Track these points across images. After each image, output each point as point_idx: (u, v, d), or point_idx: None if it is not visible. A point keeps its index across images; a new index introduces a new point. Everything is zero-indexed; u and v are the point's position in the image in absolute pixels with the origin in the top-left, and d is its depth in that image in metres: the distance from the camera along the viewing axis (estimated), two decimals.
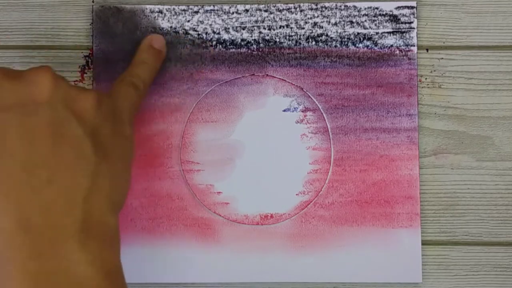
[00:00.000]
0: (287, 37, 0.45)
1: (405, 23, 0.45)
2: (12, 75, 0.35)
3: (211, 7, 0.45)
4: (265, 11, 0.45)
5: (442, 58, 0.45)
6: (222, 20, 0.45)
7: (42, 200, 0.33)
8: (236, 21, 0.45)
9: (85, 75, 0.45)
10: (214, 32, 0.45)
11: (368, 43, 0.45)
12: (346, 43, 0.45)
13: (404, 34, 0.44)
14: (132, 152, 0.39)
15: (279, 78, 0.45)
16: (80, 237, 0.33)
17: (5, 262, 0.32)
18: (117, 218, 0.36)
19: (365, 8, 0.45)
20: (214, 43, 0.45)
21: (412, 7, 0.44)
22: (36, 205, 0.33)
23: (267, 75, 0.45)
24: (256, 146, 0.45)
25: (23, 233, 0.32)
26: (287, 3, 0.45)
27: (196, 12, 0.45)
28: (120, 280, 0.35)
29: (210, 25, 0.45)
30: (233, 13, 0.45)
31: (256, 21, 0.45)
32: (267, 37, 0.45)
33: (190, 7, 0.45)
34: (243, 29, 0.45)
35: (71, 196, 0.33)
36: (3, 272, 0.32)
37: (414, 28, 0.44)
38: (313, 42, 0.45)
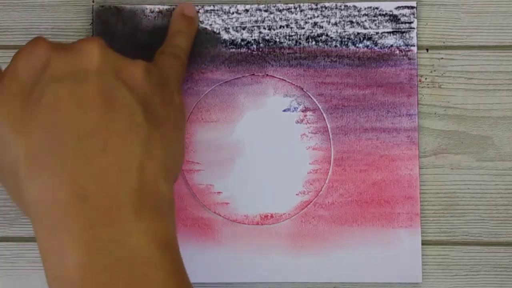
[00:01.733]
0: (287, 37, 0.45)
1: (405, 23, 0.45)
2: (61, 47, 0.35)
3: (211, 7, 0.45)
4: (265, 11, 0.45)
5: (442, 58, 0.45)
6: (222, 20, 0.45)
7: (96, 168, 0.33)
8: (236, 21, 0.45)
9: None
10: (214, 32, 0.45)
11: (368, 43, 0.45)
12: (346, 43, 0.45)
13: (404, 34, 0.44)
14: (183, 121, 0.39)
15: (279, 78, 0.45)
16: (134, 206, 0.33)
17: (61, 231, 0.32)
18: (172, 187, 0.36)
19: (365, 8, 0.45)
20: (214, 43, 0.45)
21: (412, 7, 0.44)
22: (91, 173, 0.33)
23: (267, 75, 0.45)
24: (256, 146, 0.45)
25: (79, 202, 0.32)
26: (287, 3, 0.45)
27: (196, 12, 0.45)
28: (174, 251, 0.34)
29: (210, 25, 0.45)
30: (233, 13, 0.45)
31: (256, 21, 0.45)
32: (267, 37, 0.45)
33: None
34: (243, 29, 0.45)
35: (125, 164, 0.33)
36: (58, 241, 0.32)
37: (414, 28, 0.44)
38: (313, 42, 0.45)
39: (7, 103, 0.34)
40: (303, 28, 0.45)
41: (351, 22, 0.45)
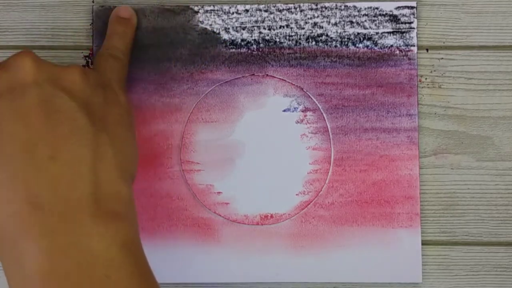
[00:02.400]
0: (287, 37, 0.45)
1: (405, 23, 0.45)
2: None
3: (211, 7, 0.45)
4: (265, 11, 0.45)
5: (442, 58, 0.45)
6: (222, 20, 0.45)
7: (48, 176, 0.33)
8: (236, 21, 0.45)
9: None
10: (214, 32, 0.45)
11: (368, 43, 0.45)
12: (346, 43, 0.45)
13: (404, 34, 0.44)
14: (131, 119, 0.39)
15: (279, 78, 0.45)
16: (90, 210, 0.33)
17: (20, 241, 0.32)
18: (130, 186, 0.36)
19: (365, 8, 0.45)
20: (214, 43, 0.45)
21: (412, 7, 0.44)
22: (43, 182, 0.33)
23: (267, 75, 0.45)
24: (256, 146, 0.45)
25: (34, 211, 0.32)
26: (287, 3, 0.45)
27: (196, 12, 0.45)
28: (136, 251, 0.34)
29: (210, 25, 0.45)
30: (233, 13, 0.45)
31: (256, 21, 0.45)
32: (267, 37, 0.45)
33: (190, 7, 0.45)
34: (243, 29, 0.45)
35: (76, 169, 0.33)
36: (19, 251, 0.32)
37: (414, 28, 0.44)
38: (313, 42, 0.45)
39: None
40: (303, 28, 0.45)
41: (351, 22, 0.45)
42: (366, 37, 0.45)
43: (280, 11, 0.45)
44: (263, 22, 0.45)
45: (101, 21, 0.45)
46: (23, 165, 0.33)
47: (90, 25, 0.45)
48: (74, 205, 0.33)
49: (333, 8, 0.45)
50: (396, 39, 0.44)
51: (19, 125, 0.34)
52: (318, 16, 0.45)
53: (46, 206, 0.32)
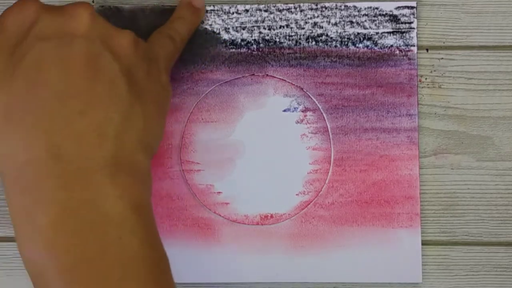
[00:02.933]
0: (287, 37, 0.45)
1: (405, 23, 0.45)
2: (51, 8, 0.35)
3: (211, 7, 0.45)
4: (265, 11, 0.45)
5: (442, 58, 0.45)
6: (222, 20, 0.45)
7: (73, 130, 0.33)
8: (236, 21, 0.45)
9: None
10: (214, 32, 0.45)
11: (368, 43, 0.45)
12: (346, 43, 0.45)
13: (404, 34, 0.44)
14: (167, 101, 0.39)
15: (279, 78, 0.45)
16: (110, 171, 0.33)
17: (35, 190, 0.32)
18: (149, 160, 0.36)
19: (365, 8, 0.45)
20: (214, 43, 0.45)
21: (412, 7, 0.44)
22: (67, 134, 0.32)
23: (267, 75, 0.45)
24: (256, 146, 0.45)
25: (53, 162, 0.32)
26: (287, 3, 0.45)
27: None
28: (148, 217, 0.34)
29: (210, 25, 0.45)
30: (233, 13, 0.45)
31: (256, 21, 0.45)
32: (267, 37, 0.45)
33: None
34: (243, 29, 0.45)
35: (102, 130, 0.33)
36: (30, 200, 0.32)
37: (414, 28, 0.44)
38: (313, 42, 0.45)
39: None
40: (303, 28, 0.45)
41: (351, 22, 0.45)
42: (366, 37, 0.45)
43: (280, 11, 0.45)
44: (263, 22, 0.45)
45: None
46: (52, 113, 0.32)
47: None
48: (94, 163, 0.33)
49: (333, 8, 0.45)
50: (396, 39, 0.44)
51: (59, 72, 0.33)
52: (318, 16, 0.45)
53: (66, 158, 0.32)
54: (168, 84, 0.39)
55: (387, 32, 0.45)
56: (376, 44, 0.45)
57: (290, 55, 0.45)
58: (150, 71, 0.37)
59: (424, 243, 0.44)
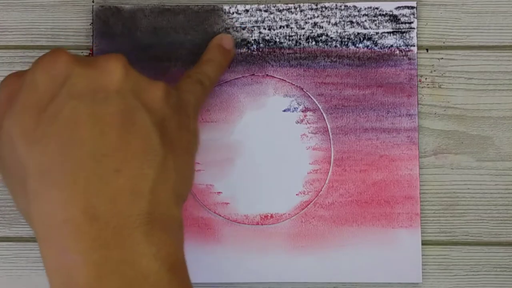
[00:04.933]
0: (287, 37, 0.45)
1: (405, 23, 0.45)
2: (83, 62, 0.34)
3: (211, 7, 0.45)
4: (265, 11, 0.45)
5: (442, 58, 0.45)
6: (222, 20, 0.45)
7: (109, 189, 0.32)
8: (236, 21, 0.45)
9: None
10: (214, 32, 0.45)
11: (368, 43, 0.45)
12: (346, 43, 0.45)
13: (404, 34, 0.44)
14: (196, 146, 0.39)
15: (279, 78, 0.45)
16: (145, 229, 0.32)
17: (71, 251, 0.32)
18: (181, 211, 0.36)
19: (365, 8, 0.45)
20: None
21: (412, 7, 0.44)
22: (103, 194, 0.32)
23: (267, 75, 0.45)
24: (256, 146, 0.45)
25: (89, 223, 0.32)
26: (287, 3, 0.45)
27: (196, 12, 0.45)
28: (183, 274, 0.34)
29: (211, 25, 0.45)
30: (233, 13, 0.45)
31: (256, 21, 0.45)
32: (267, 37, 0.45)
33: (190, 7, 0.45)
34: (243, 29, 0.45)
35: (137, 187, 0.33)
36: (69, 260, 0.32)
37: (414, 28, 0.44)
38: (313, 42, 0.45)
39: (23, 115, 0.33)
40: (303, 28, 0.45)
41: (351, 22, 0.45)
42: (366, 37, 0.45)
43: (280, 11, 0.45)
44: (263, 22, 0.45)
45: (101, 21, 0.45)
46: (87, 173, 0.32)
47: (90, 25, 0.45)
48: (130, 222, 0.32)
49: (333, 8, 0.45)
50: (396, 39, 0.44)
51: (94, 131, 0.33)
52: (318, 16, 0.45)
53: (102, 218, 0.32)
54: (197, 131, 0.39)
55: (387, 32, 0.45)
56: (376, 44, 0.45)
57: (290, 55, 0.45)
58: (181, 121, 0.37)
59: (424, 243, 0.44)
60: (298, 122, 0.45)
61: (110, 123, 0.33)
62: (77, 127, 0.33)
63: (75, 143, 0.32)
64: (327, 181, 0.44)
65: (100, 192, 0.32)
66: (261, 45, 0.45)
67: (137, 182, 0.33)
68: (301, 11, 0.45)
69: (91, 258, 0.31)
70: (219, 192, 0.45)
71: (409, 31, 0.44)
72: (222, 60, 0.43)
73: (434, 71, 0.45)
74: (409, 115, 0.44)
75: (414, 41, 0.44)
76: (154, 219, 0.33)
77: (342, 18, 0.45)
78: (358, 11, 0.45)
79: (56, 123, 0.33)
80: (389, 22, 0.45)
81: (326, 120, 0.45)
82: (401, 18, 0.44)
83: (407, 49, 0.44)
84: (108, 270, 0.31)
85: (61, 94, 0.33)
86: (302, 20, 0.45)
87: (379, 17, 0.45)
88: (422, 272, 0.44)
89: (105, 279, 0.31)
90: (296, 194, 0.44)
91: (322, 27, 0.45)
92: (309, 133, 0.45)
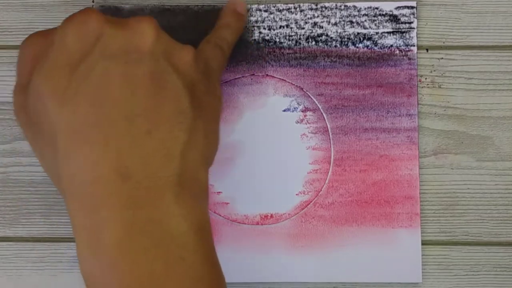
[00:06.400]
0: (287, 37, 0.45)
1: (405, 23, 0.45)
2: (115, 22, 0.34)
3: (211, 7, 0.45)
4: (265, 11, 0.45)
5: (442, 58, 0.45)
6: None
7: (141, 150, 0.32)
8: None
9: None
10: None
11: (368, 43, 0.45)
12: (346, 43, 0.45)
13: (404, 34, 0.44)
14: (220, 112, 0.39)
15: (279, 78, 0.45)
16: (175, 190, 0.33)
17: (102, 208, 0.32)
18: (207, 174, 0.36)
19: (365, 8, 0.45)
20: None
21: (412, 7, 0.44)
22: (135, 154, 0.32)
23: (267, 75, 0.45)
24: (256, 146, 0.45)
25: (121, 181, 0.32)
26: (287, 3, 0.45)
27: (196, 12, 0.45)
28: (209, 237, 0.35)
29: (211, 25, 0.45)
30: None
31: (256, 21, 0.45)
32: (267, 37, 0.45)
33: (190, 7, 0.45)
34: (243, 29, 0.45)
35: (169, 149, 0.33)
36: (98, 218, 0.32)
37: (414, 28, 0.44)
38: (313, 42, 0.45)
39: (54, 73, 0.33)
40: (303, 28, 0.45)
41: (351, 22, 0.45)
42: (366, 37, 0.45)
43: (280, 11, 0.45)
44: (263, 22, 0.45)
45: None
46: (119, 132, 0.32)
47: None
48: (160, 183, 0.33)
49: (333, 8, 0.45)
50: (396, 39, 0.44)
51: (126, 92, 0.33)
52: (318, 16, 0.45)
53: (134, 178, 0.32)
54: (221, 96, 0.39)
55: (387, 32, 0.45)
56: (376, 44, 0.45)
57: (290, 55, 0.45)
58: (208, 86, 0.37)
59: (424, 243, 0.44)
60: (298, 122, 0.45)
61: (142, 84, 0.33)
62: (109, 86, 0.33)
63: (107, 102, 0.32)
64: (327, 181, 0.44)
65: (132, 152, 0.32)
66: (261, 45, 0.45)
67: (168, 144, 0.33)
68: (301, 11, 0.45)
69: (122, 216, 0.32)
70: (219, 192, 0.45)
71: (409, 31, 0.44)
72: (237, 24, 0.43)
73: (434, 71, 0.45)
74: (409, 115, 0.44)
75: (414, 41, 0.44)
76: (184, 181, 0.33)
77: (342, 18, 0.45)
78: (358, 11, 0.45)
79: (88, 82, 0.33)
80: (389, 22, 0.45)
81: (326, 120, 0.45)
82: (401, 18, 0.44)
83: (407, 49, 0.44)
84: (137, 229, 0.32)
85: (93, 54, 0.33)
86: (302, 20, 0.45)
87: (379, 17, 0.45)
88: (422, 272, 0.44)
89: (133, 238, 0.32)
90: (296, 194, 0.44)
91: (322, 27, 0.45)
92: (309, 133, 0.45)
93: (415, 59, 0.44)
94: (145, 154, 0.33)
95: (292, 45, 0.45)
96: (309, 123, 0.45)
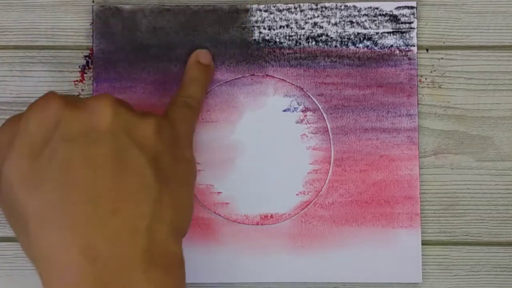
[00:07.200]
0: (287, 37, 0.45)
1: (405, 23, 0.45)
2: (73, 105, 0.34)
3: (211, 7, 0.45)
4: (265, 11, 0.45)
5: (442, 58, 0.45)
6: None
7: (107, 230, 0.32)
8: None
9: (85, 75, 0.45)
10: (214, 32, 0.45)
11: (368, 43, 0.45)
12: (346, 43, 0.45)
13: (404, 34, 0.44)
14: (194, 175, 0.39)
15: (279, 78, 0.45)
16: (144, 267, 0.33)
17: None
18: (180, 245, 0.36)
19: (365, 8, 0.45)
20: (214, 43, 0.45)
21: (412, 7, 0.44)
22: (101, 235, 0.32)
23: (267, 75, 0.45)
24: (256, 146, 0.45)
25: (90, 264, 0.32)
26: (287, 3, 0.45)
27: (196, 12, 0.45)
28: None
29: (210, 25, 0.45)
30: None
31: (256, 21, 0.45)
32: (267, 37, 0.45)
33: (190, 7, 0.45)
34: (243, 29, 0.45)
35: (134, 226, 0.33)
36: None
37: (414, 28, 0.44)
38: (313, 42, 0.45)
39: (18, 162, 0.34)
40: (303, 28, 0.45)
41: (351, 22, 0.45)
42: (366, 37, 0.45)
43: (280, 11, 0.45)
44: (263, 22, 0.45)
45: (101, 21, 0.45)
46: (86, 216, 0.32)
47: (90, 25, 0.45)
48: (128, 261, 0.33)
49: (333, 8, 0.45)
50: (396, 39, 0.44)
51: (88, 173, 0.33)
52: (318, 16, 0.45)
53: (102, 260, 0.32)
54: (193, 158, 0.39)
55: (387, 32, 0.45)
56: (376, 44, 0.45)
57: (290, 55, 0.45)
58: (175, 153, 0.37)
59: (424, 243, 0.44)
60: (298, 122, 0.45)
61: (103, 163, 0.33)
62: (72, 169, 0.33)
63: (71, 185, 0.33)
64: (327, 181, 0.44)
65: (99, 234, 0.32)
66: (261, 45, 0.45)
67: (134, 221, 0.33)
68: (301, 11, 0.45)
69: None
70: (219, 192, 0.45)
71: (409, 31, 0.44)
72: (204, 77, 0.43)
73: (434, 71, 0.45)
74: (409, 115, 0.44)
75: (414, 41, 0.44)
76: (153, 256, 0.33)
77: (342, 18, 0.45)
78: (358, 11, 0.45)
79: (51, 167, 0.33)
80: (389, 22, 0.45)
81: (326, 120, 0.45)
82: (401, 18, 0.44)
83: (407, 49, 0.44)
84: None
85: (54, 139, 0.34)
86: (302, 20, 0.45)
87: (379, 17, 0.45)
88: (422, 272, 0.44)
89: None
90: (296, 194, 0.44)
91: (322, 27, 0.45)
92: (309, 133, 0.45)
93: (415, 59, 0.44)
94: (111, 234, 0.32)
95: (292, 45, 0.45)
96: (309, 123, 0.45)
